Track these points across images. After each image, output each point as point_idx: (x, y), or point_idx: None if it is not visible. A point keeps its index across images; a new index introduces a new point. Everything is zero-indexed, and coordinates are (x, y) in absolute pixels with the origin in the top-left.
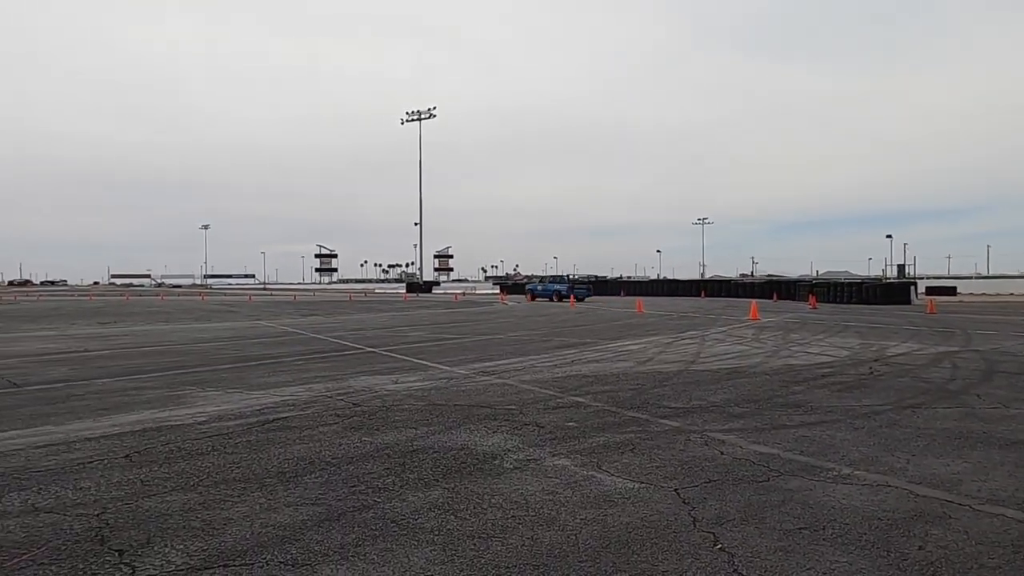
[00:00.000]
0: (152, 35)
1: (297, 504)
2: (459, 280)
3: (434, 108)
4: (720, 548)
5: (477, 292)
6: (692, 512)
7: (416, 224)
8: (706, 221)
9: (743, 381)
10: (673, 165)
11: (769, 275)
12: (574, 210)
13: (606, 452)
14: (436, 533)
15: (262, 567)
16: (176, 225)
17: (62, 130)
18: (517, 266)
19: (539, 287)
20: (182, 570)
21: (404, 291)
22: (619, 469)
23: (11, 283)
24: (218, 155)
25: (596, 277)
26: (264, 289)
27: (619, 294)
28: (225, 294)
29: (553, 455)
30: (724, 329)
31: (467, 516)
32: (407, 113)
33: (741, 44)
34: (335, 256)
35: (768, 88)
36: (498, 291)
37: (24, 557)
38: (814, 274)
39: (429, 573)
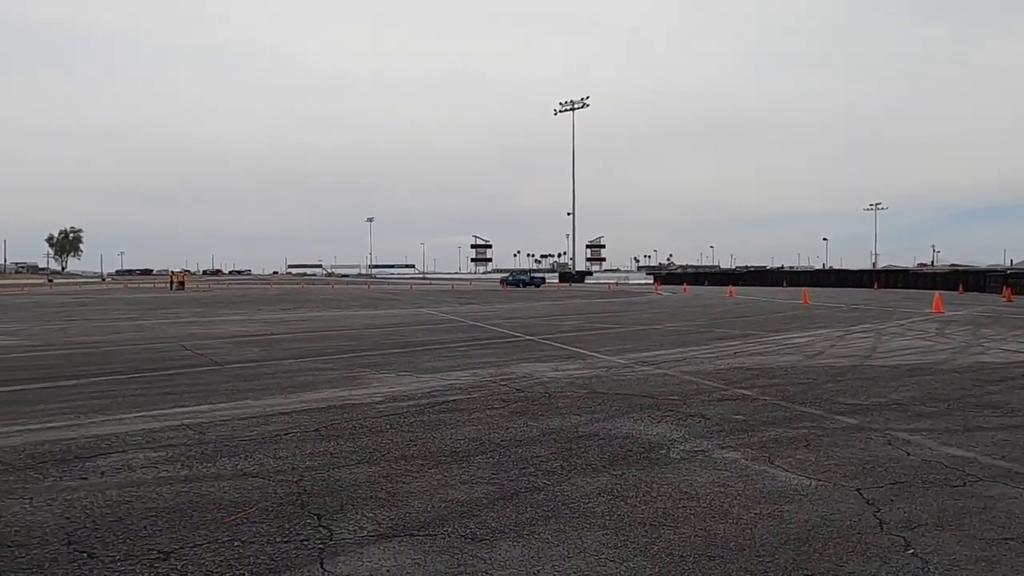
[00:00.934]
0: (323, 46)
1: (472, 482)
2: (611, 270)
3: (587, 98)
4: (912, 553)
5: (630, 282)
6: (878, 514)
7: (568, 214)
8: (879, 206)
9: (928, 379)
10: (838, 150)
11: (953, 265)
12: (730, 198)
13: (778, 447)
14: (607, 518)
15: (444, 539)
16: (344, 219)
17: (245, 135)
18: (671, 256)
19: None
20: (372, 536)
21: (557, 280)
22: (793, 465)
23: (205, 272)
24: (381, 152)
25: (755, 267)
26: (423, 278)
27: (781, 284)
28: (388, 283)
29: (721, 447)
30: (902, 322)
31: (636, 503)
32: (560, 104)
33: (913, 15)
34: (490, 246)
35: (947, 63)
36: (651, 281)
37: (239, 515)
38: (1007, 264)
39: (602, 556)
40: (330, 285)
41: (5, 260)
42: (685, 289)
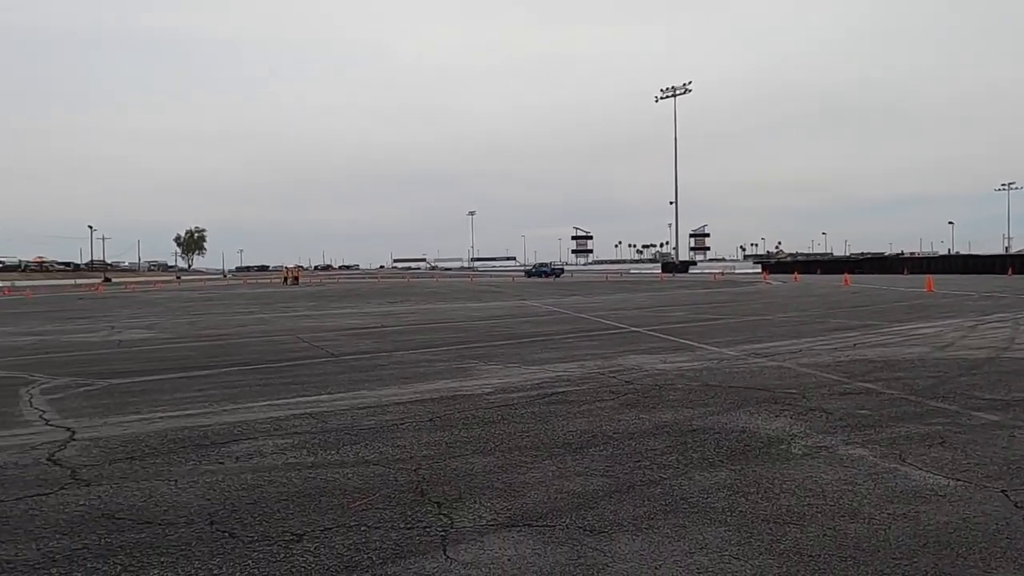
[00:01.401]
0: (424, 40)
1: (586, 474)
2: (716, 259)
3: (689, 83)
4: None
5: (736, 271)
6: None
7: (671, 203)
8: (1011, 186)
9: None
10: (966, 128)
11: None
12: (843, 182)
13: (909, 444)
14: (728, 513)
15: (563, 530)
16: (446, 213)
17: (352, 133)
18: (779, 244)
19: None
20: (492, 526)
21: (659, 271)
22: (927, 464)
23: (317, 268)
24: (482, 145)
25: (872, 254)
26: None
27: (901, 272)
28: (491, 276)
29: (846, 444)
30: None
31: (758, 499)
32: (661, 90)
33: None
34: (590, 237)
35: None
36: (759, 270)
37: (364, 501)
38: None
39: (725, 553)
40: (434, 278)
41: (140, 259)
42: (796, 278)
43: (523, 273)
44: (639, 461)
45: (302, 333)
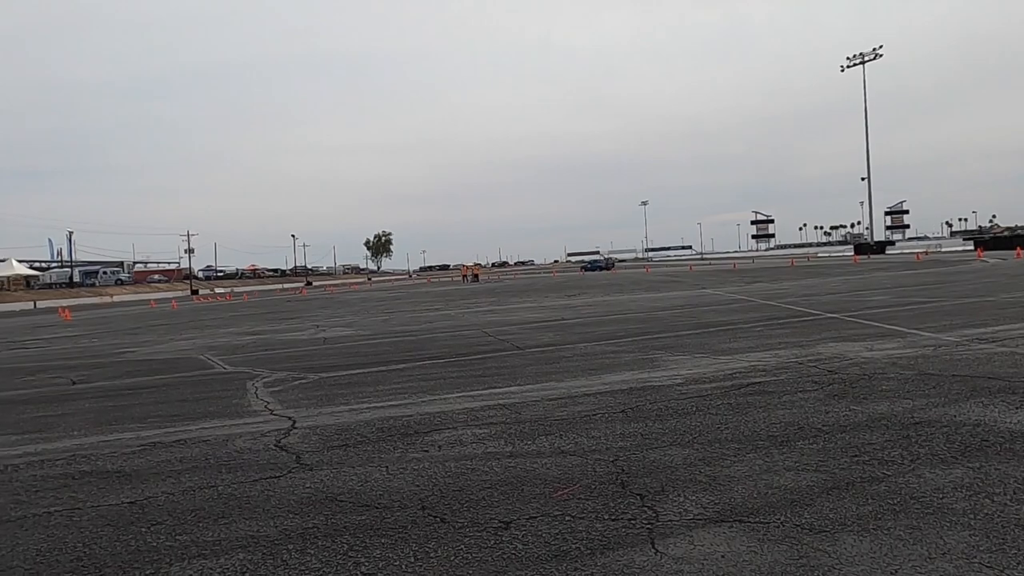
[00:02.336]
0: (586, 31)
1: (797, 469)
2: (916, 238)
3: (879, 48)
4: None
5: (942, 250)
6: None
7: (863, 179)
8: None
9: None
10: None
11: None
12: None
13: None
14: (971, 516)
15: (778, 527)
16: (618, 203)
17: (522, 129)
18: (993, 217)
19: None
20: (699, 520)
21: (852, 253)
22: None
23: (494, 265)
24: (652, 133)
25: None
26: (702, 259)
27: None
28: (666, 265)
29: None
30: None
31: (1007, 502)
32: (847, 58)
33: None
34: (771, 221)
35: None
36: (971, 247)
37: (566, 491)
38: None
39: (973, 560)
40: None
41: (335, 263)
42: (1019, 254)
43: (579, 268)
44: (856, 456)
45: (487, 327)
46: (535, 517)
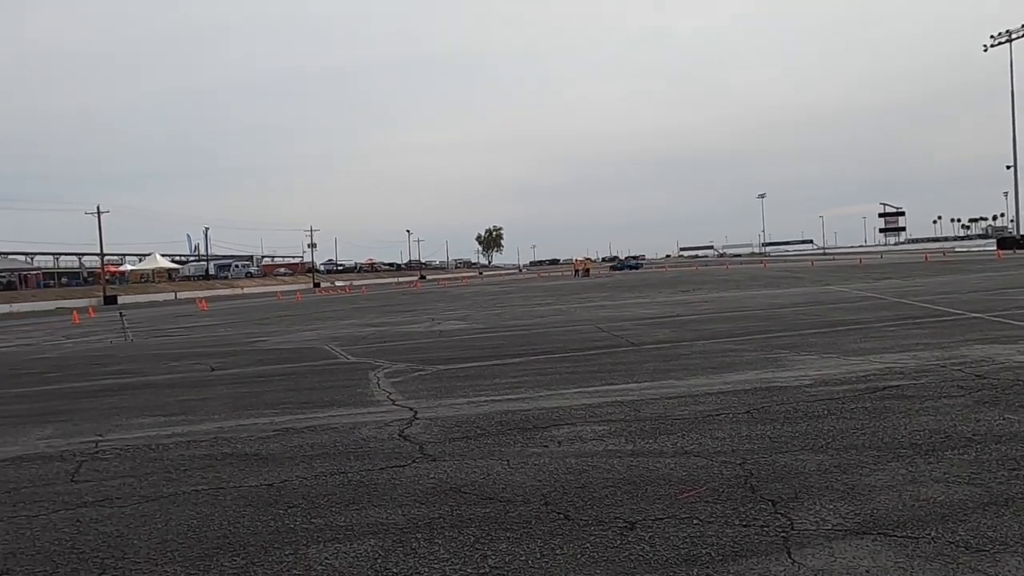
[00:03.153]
0: (703, 20)
1: (946, 481)
2: None
3: None
4: None
5: None
6: None
7: (1008, 168)
8: None
9: None
10: None
11: None
12: None
13: None
14: None
15: (929, 543)
16: (733, 197)
17: (635, 122)
18: None
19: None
20: (839, 531)
21: (995, 248)
22: None
23: (604, 260)
24: (769, 124)
25: None
26: (824, 254)
27: None
28: (785, 261)
29: None
30: None
31: None
32: (991, 36)
33: None
34: (901, 214)
35: None
36: None
37: (692, 493)
38: None
39: None
40: (724, 266)
41: (448, 257)
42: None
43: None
44: (1014, 470)
45: (600, 323)
46: (661, 518)
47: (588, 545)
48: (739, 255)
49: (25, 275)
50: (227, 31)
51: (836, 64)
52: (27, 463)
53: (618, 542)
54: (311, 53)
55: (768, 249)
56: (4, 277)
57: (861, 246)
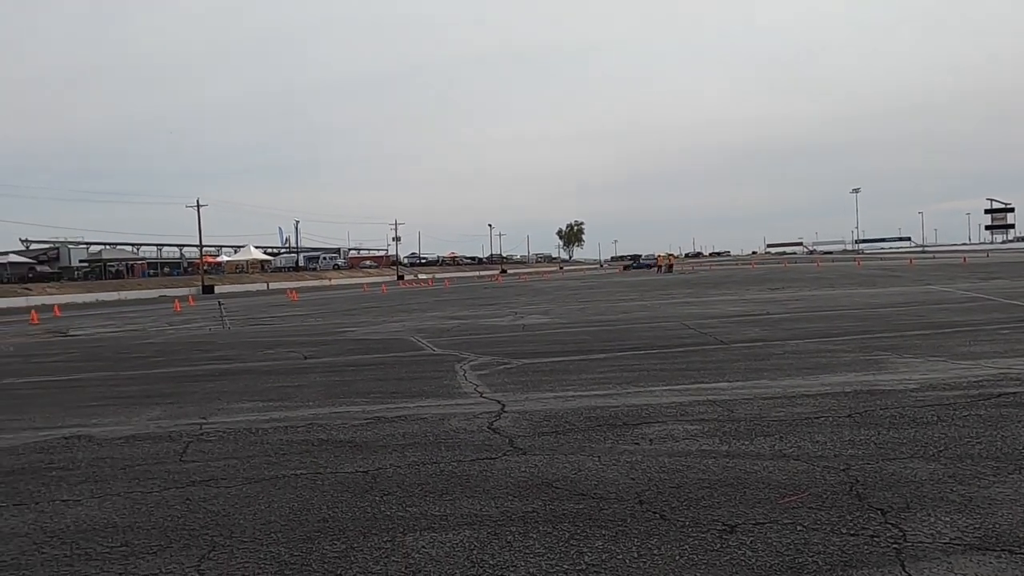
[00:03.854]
0: (794, 7)
1: None
2: None
3: None
4: None
5: None
6: None
7: None
8: None
9: None
10: None
11: None
12: None
13: None
14: None
15: None
16: (824, 192)
17: (721, 114)
18: None
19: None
20: (957, 545)
21: None
22: None
23: (687, 255)
24: (864, 115)
25: None
26: (923, 252)
27: None
28: (881, 258)
29: None
30: None
31: None
32: None
33: None
34: (1011, 210)
35: None
36: None
37: (793, 498)
38: None
39: None
40: (814, 263)
41: (529, 252)
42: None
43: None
44: None
45: (686, 320)
46: (762, 523)
47: (686, 547)
48: (830, 252)
49: (132, 264)
50: (317, 32)
51: (940, 49)
52: (139, 442)
53: (718, 545)
54: (397, 52)
55: (862, 246)
56: (114, 266)
57: (964, 244)
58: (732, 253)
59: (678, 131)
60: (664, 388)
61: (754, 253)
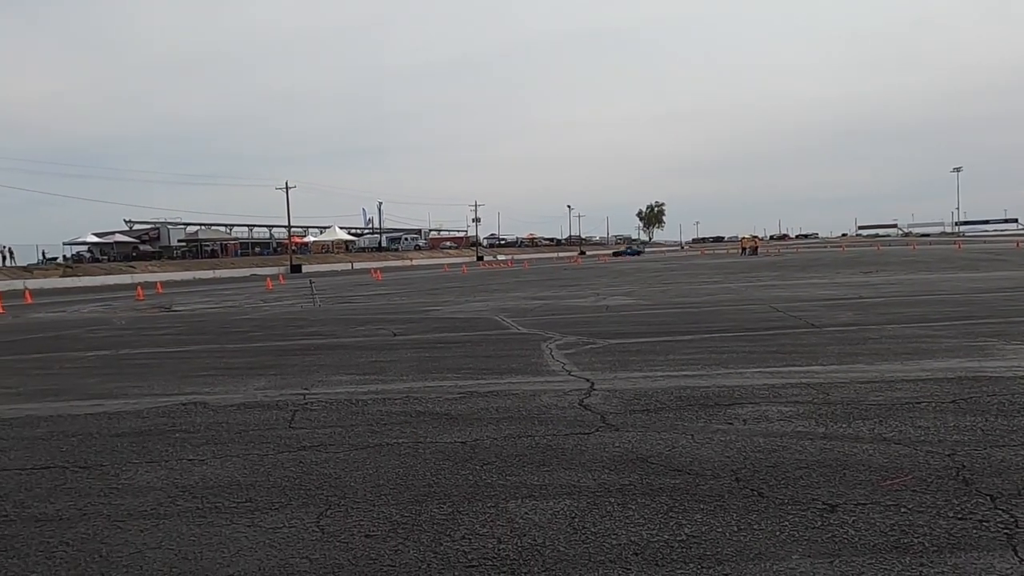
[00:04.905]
0: None
1: None
2: None
3: None
4: None
5: None
6: None
7: None
8: None
9: None
10: None
11: None
12: None
13: None
14: None
15: None
16: (921, 172)
17: (809, 93)
18: None
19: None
20: None
21: None
22: None
23: (772, 237)
24: (965, 88)
25: None
26: None
27: None
28: (984, 241)
29: None
30: None
31: None
32: None
33: None
34: None
35: None
36: None
37: (896, 481)
38: None
39: None
40: (910, 246)
41: (608, 233)
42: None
43: (612, 253)
44: None
45: (774, 303)
46: (863, 504)
47: (787, 523)
48: (927, 235)
49: (225, 244)
50: (398, 18)
51: None
52: (250, 409)
53: (819, 523)
54: (478, 35)
55: (963, 228)
56: (208, 246)
57: None
58: (820, 235)
59: (765, 109)
60: (755, 370)
61: (844, 235)
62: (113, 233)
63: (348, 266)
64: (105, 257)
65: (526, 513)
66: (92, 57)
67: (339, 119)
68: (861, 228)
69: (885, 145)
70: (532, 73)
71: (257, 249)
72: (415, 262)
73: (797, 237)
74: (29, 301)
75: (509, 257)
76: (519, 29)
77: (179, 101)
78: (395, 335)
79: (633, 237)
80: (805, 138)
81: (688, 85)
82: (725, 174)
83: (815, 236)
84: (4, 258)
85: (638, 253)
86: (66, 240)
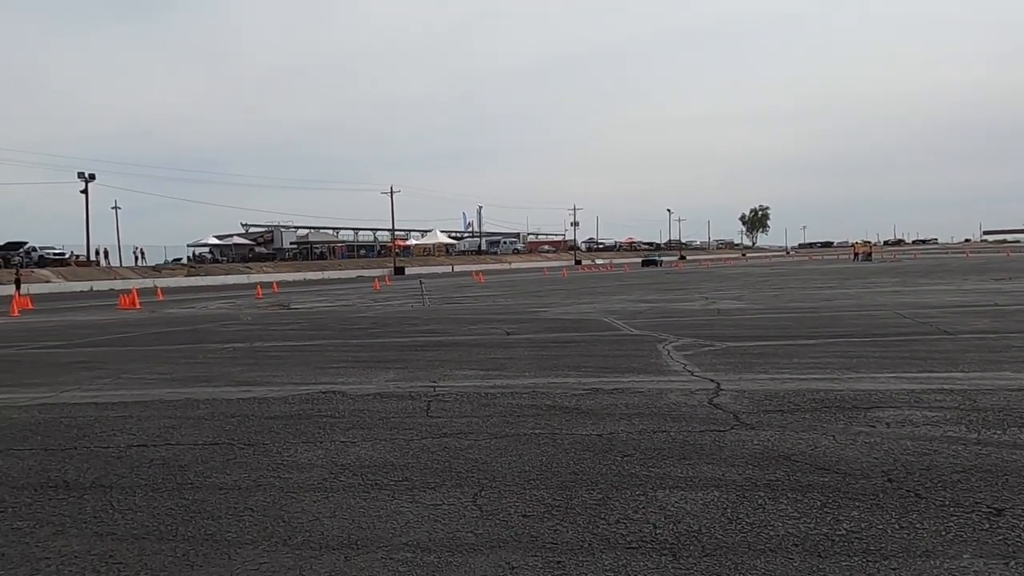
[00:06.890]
0: None
1: None
2: None
3: None
4: None
5: None
6: None
7: None
8: None
9: None
10: None
11: None
12: None
13: None
14: None
15: None
16: None
17: (931, 86)
18: None
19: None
20: None
21: None
22: None
23: (886, 243)
24: None
25: None
26: None
27: None
28: None
29: None
30: None
31: None
32: None
33: None
34: None
35: None
36: None
37: None
38: None
39: None
40: None
41: (709, 238)
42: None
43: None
44: None
45: (898, 308)
46: None
47: (951, 524)
48: None
49: (333, 247)
50: (495, 21)
51: None
52: (386, 399)
53: (986, 526)
54: (573, 37)
55: None
56: (318, 248)
57: None
58: (940, 241)
59: (878, 106)
60: (889, 375)
61: (967, 241)
62: (231, 236)
63: (448, 268)
64: (224, 258)
65: (676, 502)
66: (210, 69)
67: (441, 123)
68: (987, 233)
69: (1014, 141)
70: (632, 73)
71: (362, 251)
72: (513, 265)
73: (914, 243)
74: (161, 298)
75: (608, 261)
76: (620, 28)
77: (288, 110)
78: (508, 334)
79: (736, 242)
80: (923, 137)
81: (794, 82)
82: (835, 175)
83: (934, 241)
84: (136, 259)
85: (658, 263)
86: (189, 242)
